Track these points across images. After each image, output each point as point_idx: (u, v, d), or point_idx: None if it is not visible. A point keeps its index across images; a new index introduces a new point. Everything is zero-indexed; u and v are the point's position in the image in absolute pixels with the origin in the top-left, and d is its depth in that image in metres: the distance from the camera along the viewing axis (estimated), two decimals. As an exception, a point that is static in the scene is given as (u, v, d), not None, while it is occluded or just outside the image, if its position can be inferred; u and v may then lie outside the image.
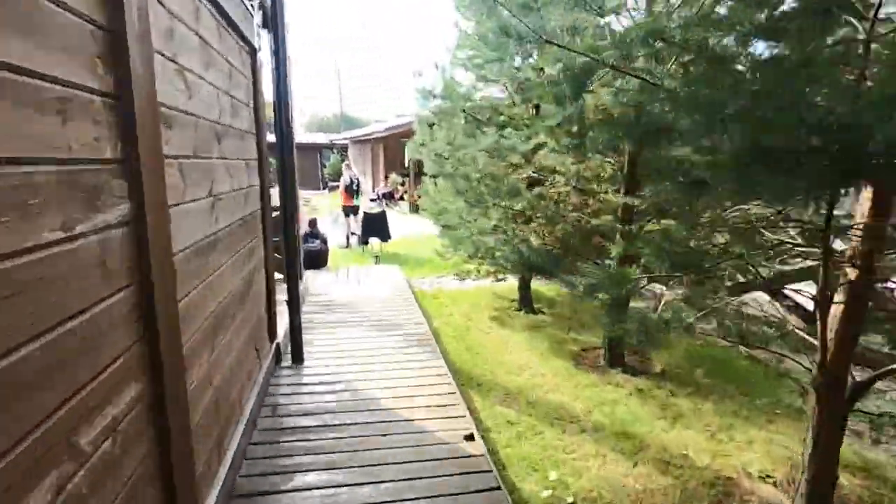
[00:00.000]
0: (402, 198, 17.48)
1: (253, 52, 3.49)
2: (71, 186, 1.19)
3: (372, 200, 18.64)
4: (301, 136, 37.26)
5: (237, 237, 2.99)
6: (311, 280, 6.80)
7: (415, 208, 16.39)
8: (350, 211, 10.12)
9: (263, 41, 3.64)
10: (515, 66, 5.00)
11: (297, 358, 4.04)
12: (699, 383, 4.23)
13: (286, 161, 3.79)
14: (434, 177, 6.39)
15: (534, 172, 4.04)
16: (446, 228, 6.44)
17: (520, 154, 4.00)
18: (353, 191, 9.97)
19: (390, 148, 19.45)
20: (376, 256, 8.42)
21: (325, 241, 7.62)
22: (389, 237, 9.60)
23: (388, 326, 5.00)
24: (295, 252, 3.91)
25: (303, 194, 20.08)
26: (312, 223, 7.74)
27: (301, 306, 5.37)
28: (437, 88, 5.80)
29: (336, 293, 6.21)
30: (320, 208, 15.17)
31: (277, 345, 3.96)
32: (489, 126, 4.76)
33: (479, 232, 4.90)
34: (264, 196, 3.73)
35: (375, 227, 9.40)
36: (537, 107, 4.97)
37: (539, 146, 4.16)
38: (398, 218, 15.10)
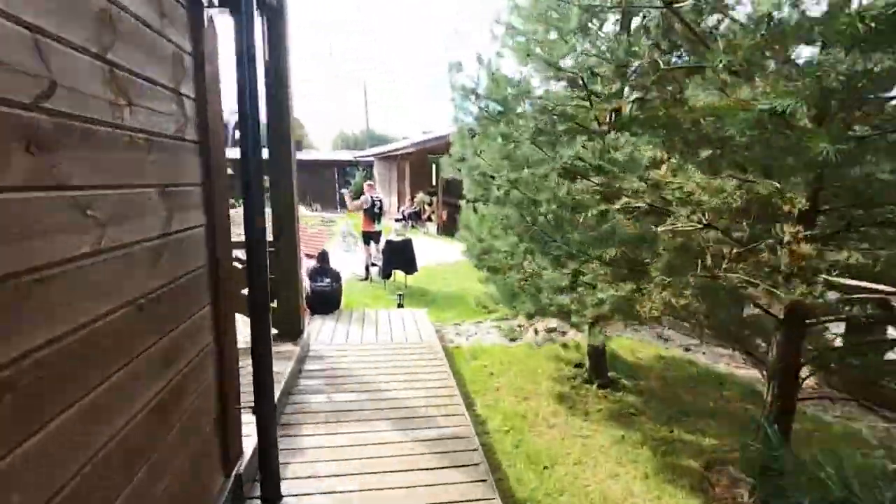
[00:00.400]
0: (429, 218, 16.10)
1: (195, 5, 2.10)
2: None
3: (397, 221, 17.30)
4: (313, 153, 36.47)
5: (138, 328, 1.56)
6: (318, 328, 5.37)
7: (444, 230, 15.00)
8: (370, 237, 8.72)
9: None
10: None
11: (271, 494, 2.56)
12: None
13: (253, 183, 2.35)
14: (475, 201, 4.93)
15: (647, 202, 2.52)
16: (493, 272, 4.97)
17: (630, 173, 2.49)
18: (374, 214, 8.59)
19: (417, 165, 18.15)
20: (400, 295, 6.95)
21: (337, 279, 6.22)
22: (416, 269, 8.14)
23: (415, 420, 3.47)
24: (265, 328, 2.46)
25: (325, 216, 18.94)
26: (322, 257, 6.34)
27: (295, 379, 4.05)
28: (480, 86, 4.36)
29: (346, 355, 4.73)
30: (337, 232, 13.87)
31: (238, 476, 2.49)
32: (565, 134, 3.29)
33: (550, 288, 3.39)
34: (216, 241, 2.30)
35: (400, 257, 7.96)
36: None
37: (653, 161, 2.63)
38: (426, 242, 13.69)
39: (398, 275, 8.31)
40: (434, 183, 17.95)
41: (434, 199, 15.90)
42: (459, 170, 4.74)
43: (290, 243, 4.59)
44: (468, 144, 4.57)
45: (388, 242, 7.98)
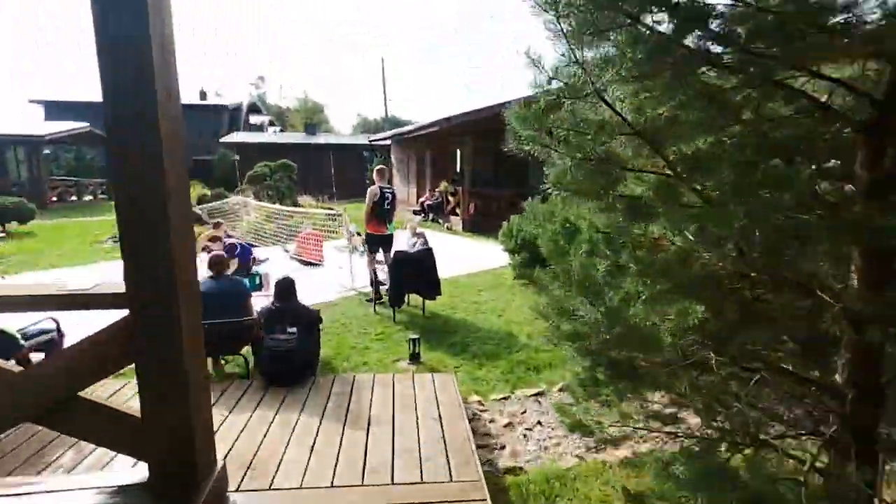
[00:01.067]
0: (453, 211, 13.61)
1: None
2: None
3: (416, 213, 14.85)
4: (330, 137, 33.96)
5: None
6: (251, 444, 2.99)
7: (471, 225, 12.46)
8: (379, 244, 6.30)
9: None
10: None
11: None
12: None
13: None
14: (570, 193, 2.45)
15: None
16: (577, 339, 2.46)
17: None
18: (384, 212, 6.16)
19: (441, 148, 15.63)
20: (413, 340, 4.48)
21: (310, 326, 3.84)
22: (438, 291, 5.67)
23: None
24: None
25: (333, 210, 16.53)
26: (284, 289, 3.95)
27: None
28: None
29: None
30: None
31: None
32: None
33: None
34: None
35: (416, 275, 5.52)
36: None
37: None
38: (449, 240, 11.22)
39: (408, 296, 5.91)
40: (459, 170, 15.44)
41: (458, 189, 13.40)
42: (536, 140, 2.24)
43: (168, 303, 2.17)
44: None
45: (403, 256, 5.53)
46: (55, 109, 29.59)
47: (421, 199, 15.33)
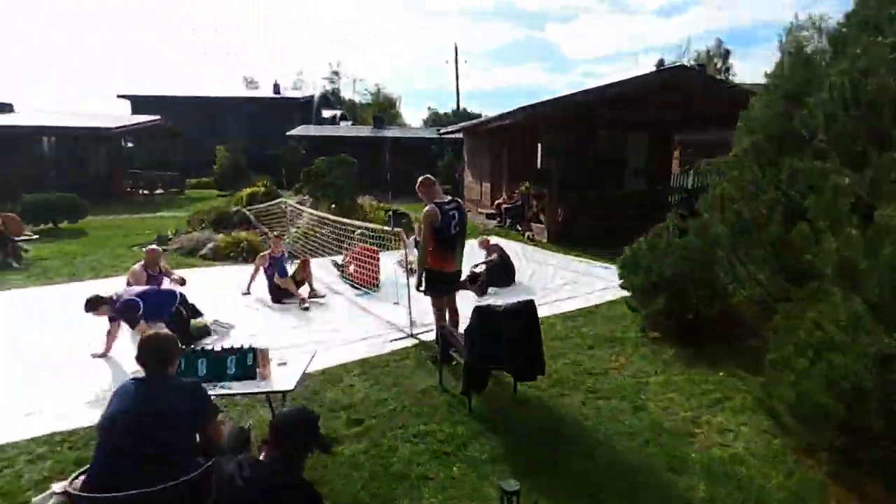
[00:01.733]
0: (535, 218, 11.37)
1: None
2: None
3: (489, 217, 12.77)
4: (387, 130, 32.39)
5: None
6: None
7: (557, 236, 10.02)
8: (445, 284, 4.31)
9: None
10: None
11: None
12: None
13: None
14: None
15: None
16: None
17: None
18: (452, 239, 4.18)
19: (521, 142, 13.42)
20: (509, 496, 2.45)
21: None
22: (541, 369, 3.54)
23: None
24: None
25: (396, 209, 14.68)
26: (280, 433, 2.07)
27: None
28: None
29: None
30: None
31: None
32: None
33: None
34: None
35: (510, 345, 3.41)
36: None
37: None
38: (532, 256, 9.02)
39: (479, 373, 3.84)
40: (540, 165, 13.17)
41: (545, 191, 11.12)
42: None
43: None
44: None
45: (485, 312, 3.43)
46: (142, 104, 30.50)
47: (497, 202, 13.23)
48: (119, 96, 31.89)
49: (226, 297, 6.53)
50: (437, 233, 4.05)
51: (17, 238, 8.50)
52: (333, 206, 10.77)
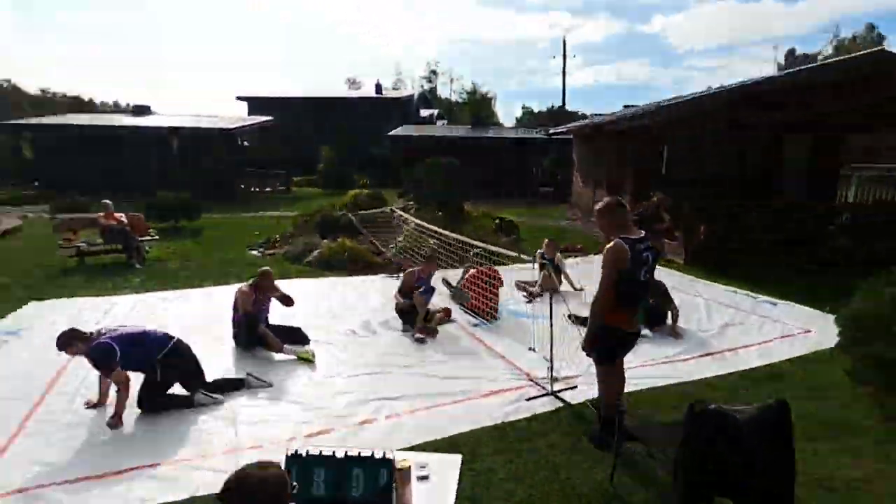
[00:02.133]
0: (668, 233, 9.79)
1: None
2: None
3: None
4: (488, 130, 31.23)
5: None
6: None
7: (697, 256, 8.24)
8: (624, 348, 3.24)
9: None
10: None
11: None
12: None
13: None
14: None
15: None
16: None
17: None
18: (637, 287, 3.09)
19: (648, 143, 11.82)
20: None
21: None
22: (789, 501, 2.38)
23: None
24: None
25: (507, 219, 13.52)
26: None
27: None
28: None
29: None
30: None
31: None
32: None
33: None
34: None
35: (746, 467, 2.27)
36: None
37: None
38: (673, 283, 7.41)
39: None
40: (664, 170, 11.47)
41: (684, 201, 9.52)
42: None
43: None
44: None
45: (716, 422, 2.25)
46: (257, 105, 32.48)
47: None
48: (238, 98, 34.17)
49: (331, 313, 5.98)
50: (621, 279, 3.00)
51: (141, 238, 8.69)
52: (440, 213, 10.04)
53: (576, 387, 4.12)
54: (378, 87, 36.29)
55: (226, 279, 7.67)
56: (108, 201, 8.82)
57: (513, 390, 4.16)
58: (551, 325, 4.25)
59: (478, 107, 54.26)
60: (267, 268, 5.22)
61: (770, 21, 76.22)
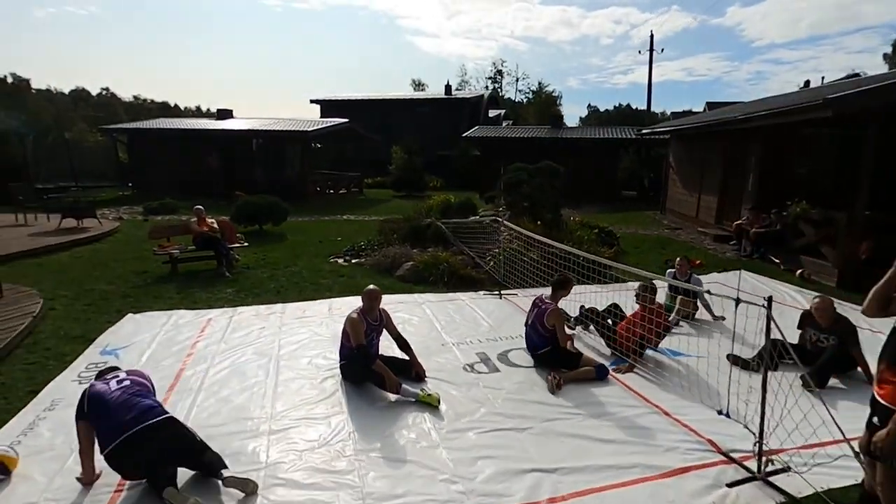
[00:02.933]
0: (809, 249, 8.34)
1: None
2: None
3: (720, 241, 9.87)
4: (567, 130, 29.54)
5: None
6: None
7: (857, 277, 6.60)
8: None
9: None
10: None
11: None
12: None
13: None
14: None
15: None
16: None
17: None
18: None
19: (772, 147, 10.29)
20: None
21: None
22: None
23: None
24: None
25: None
26: None
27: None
28: None
29: None
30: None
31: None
32: None
33: None
34: None
35: None
36: None
37: None
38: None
39: None
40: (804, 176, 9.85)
41: (820, 214, 8.05)
42: None
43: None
44: None
45: None
46: (329, 108, 32.98)
47: (738, 222, 10.32)
48: (312, 101, 34.86)
49: (439, 341, 5.25)
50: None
51: (231, 245, 8.43)
52: (538, 222, 9.14)
53: (789, 469, 3.11)
54: (448, 88, 35.80)
55: (318, 291, 7.19)
56: (199, 207, 8.65)
57: (702, 468, 3.21)
58: (764, 373, 3.19)
59: (544, 106, 52.59)
60: (373, 287, 4.54)
61: (860, 7, 68.36)
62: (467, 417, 3.83)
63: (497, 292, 7.17)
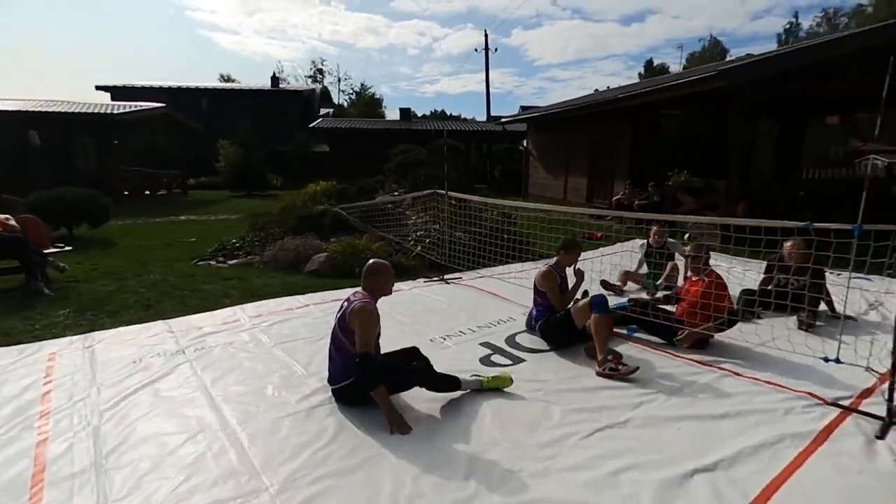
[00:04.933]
0: (693, 214, 9.18)
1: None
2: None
3: (599, 219, 10.36)
4: (422, 122, 29.71)
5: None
6: None
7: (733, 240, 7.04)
8: None
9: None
10: None
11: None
12: None
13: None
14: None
15: None
16: None
17: None
18: None
19: (645, 126, 11.19)
20: None
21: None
22: None
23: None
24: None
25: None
26: None
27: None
28: None
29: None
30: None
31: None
32: None
33: None
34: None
35: None
36: None
37: None
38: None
39: None
40: (627, 154, 10.87)
41: (719, 181, 8.89)
42: None
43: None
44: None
45: None
46: (122, 96, 26.99)
47: (617, 197, 11.02)
48: (98, 87, 28.38)
49: (417, 333, 4.07)
50: None
51: (47, 251, 5.77)
52: (453, 202, 8.35)
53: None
54: (275, 80, 32.67)
55: (211, 300, 5.28)
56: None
57: (837, 424, 2.80)
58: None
59: (368, 108, 51.93)
60: (375, 261, 3.20)
61: (609, 40, 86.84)
62: (547, 423, 2.84)
63: (440, 278, 6.17)
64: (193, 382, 3.29)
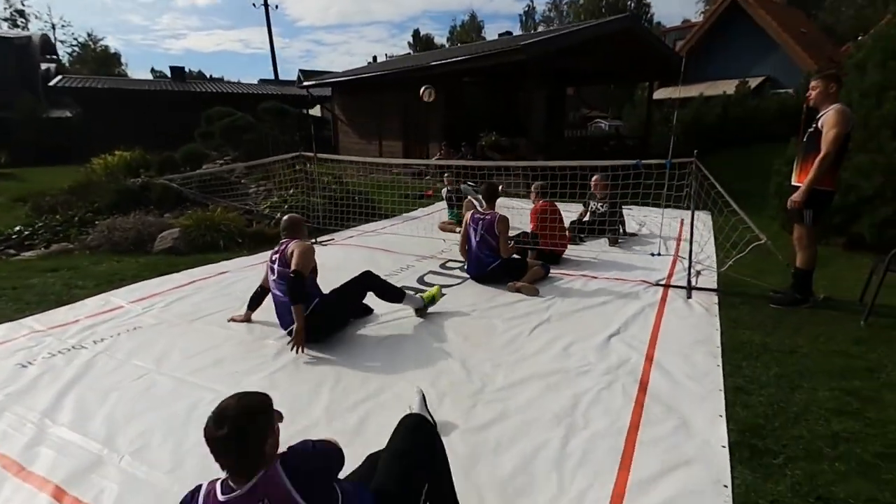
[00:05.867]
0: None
1: None
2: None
3: (418, 177, 11.60)
4: (198, 84, 26.25)
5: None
6: None
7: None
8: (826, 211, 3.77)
9: None
10: None
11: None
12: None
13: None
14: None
15: None
16: None
17: None
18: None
19: (446, 91, 12.29)
20: None
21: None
22: None
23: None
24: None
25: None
26: None
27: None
28: None
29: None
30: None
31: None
32: None
33: None
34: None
35: None
36: None
37: None
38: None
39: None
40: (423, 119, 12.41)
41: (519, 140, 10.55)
42: None
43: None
44: None
45: None
46: None
47: (436, 158, 12.10)
48: None
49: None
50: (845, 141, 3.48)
51: None
52: (295, 166, 8.19)
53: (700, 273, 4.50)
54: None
55: (41, 300, 4.40)
56: None
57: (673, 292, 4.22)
58: (692, 216, 4.39)
59: (103, 66, 42.51)
60: (290, 216, 3.52)
61: (371, 5, 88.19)
62: (498, 330, 3.55)
63: (314, 241, 6.23)
64: (133, 369, 2.98)
